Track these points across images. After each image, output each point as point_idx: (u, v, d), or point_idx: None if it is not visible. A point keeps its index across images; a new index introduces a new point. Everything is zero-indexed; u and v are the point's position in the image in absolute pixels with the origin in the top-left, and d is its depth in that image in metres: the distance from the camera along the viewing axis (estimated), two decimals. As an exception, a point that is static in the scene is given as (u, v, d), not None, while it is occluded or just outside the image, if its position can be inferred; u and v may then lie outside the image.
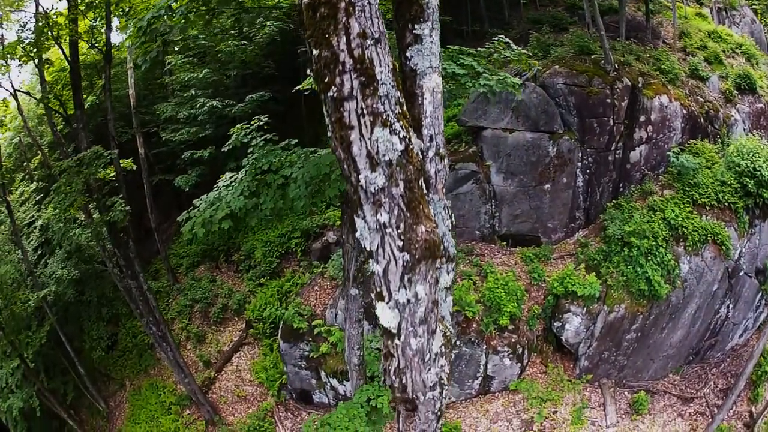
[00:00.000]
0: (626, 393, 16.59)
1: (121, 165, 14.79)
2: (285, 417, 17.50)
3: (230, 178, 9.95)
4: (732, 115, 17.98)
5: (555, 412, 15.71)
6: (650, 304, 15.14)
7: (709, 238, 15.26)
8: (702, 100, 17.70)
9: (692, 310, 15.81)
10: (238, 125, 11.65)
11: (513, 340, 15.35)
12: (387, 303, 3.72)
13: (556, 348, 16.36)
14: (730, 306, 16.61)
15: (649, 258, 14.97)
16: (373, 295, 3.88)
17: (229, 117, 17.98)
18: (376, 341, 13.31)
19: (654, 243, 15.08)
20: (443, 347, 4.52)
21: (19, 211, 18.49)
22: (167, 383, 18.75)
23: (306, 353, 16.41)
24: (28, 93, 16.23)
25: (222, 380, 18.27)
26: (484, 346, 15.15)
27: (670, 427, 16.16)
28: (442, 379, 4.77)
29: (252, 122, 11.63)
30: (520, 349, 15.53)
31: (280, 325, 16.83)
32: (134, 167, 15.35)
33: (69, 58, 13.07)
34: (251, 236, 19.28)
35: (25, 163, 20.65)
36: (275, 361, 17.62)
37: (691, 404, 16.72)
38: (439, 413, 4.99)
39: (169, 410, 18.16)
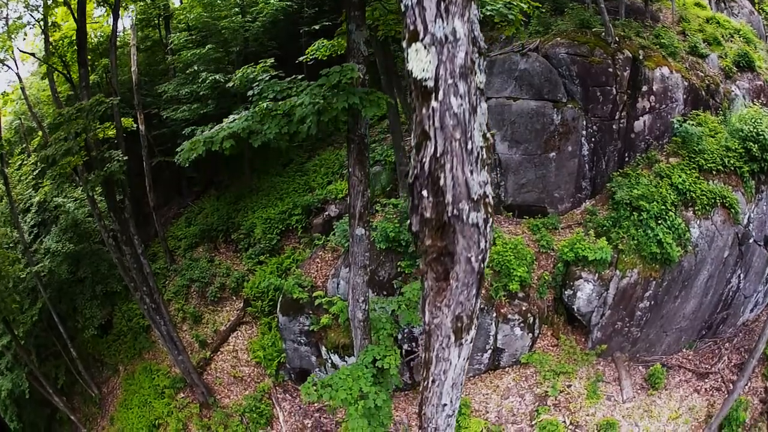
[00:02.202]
0: (640, 368, 16.00)
1: (122, 123, 14.55)
2: (283, 398, 16.74)
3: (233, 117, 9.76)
4: (732, 90, 18.07)
5: (569, 386, 15.07)
6: (663, 269, 14.77)
7: (717, 201, 15.06)
8: (702, 74, 17.80)
9: (704, 278, 15.44)
10: (244, 66, 11.51)
11: (524, 308, 14.87)
12: (422, 40, 3.42)
13: (567, 320, 15.84)
14: (741, 276, 16.26)
15: (660, 221, 14.71)
16: (404, 44, 3.59)
17: (230, 93, 17.92)
18: (381, 302, 12.79)
19: (663, 207, 14.85)
20: (485, 151, 4.06)
21: (16, 188, 18.11)
22: (161, 366, 18.00)
23: (306, 327, 15.83)
24: (33, 54, 16.21)
25: (218, 361, 17.55)
26: (494, 314, 14.65)
27: (688, 402, 15.53)
28: (487, 197, 4.14)
29: (258, 64, 11.51)
30: (531, 319, 15.02)
31: (279, 299, 16.30)
32: (134, 126, 15.10)
33: (75, 15, 13.04)
34: (251, 215, 18.92)
35: (24, 145, 20.41)
36: (273, 339, 16.99)
37: (707, 379, 16.13)
38: (480, 268, 4.09)
39: (163, 394, 17.37)
